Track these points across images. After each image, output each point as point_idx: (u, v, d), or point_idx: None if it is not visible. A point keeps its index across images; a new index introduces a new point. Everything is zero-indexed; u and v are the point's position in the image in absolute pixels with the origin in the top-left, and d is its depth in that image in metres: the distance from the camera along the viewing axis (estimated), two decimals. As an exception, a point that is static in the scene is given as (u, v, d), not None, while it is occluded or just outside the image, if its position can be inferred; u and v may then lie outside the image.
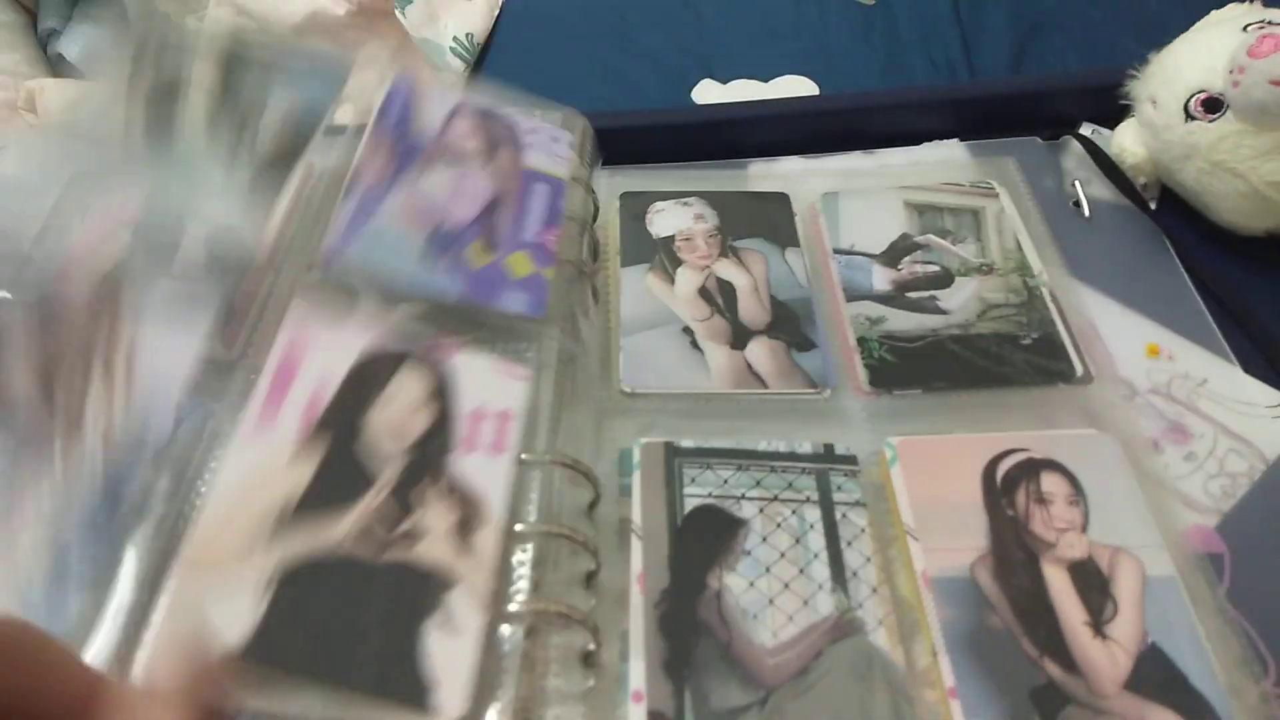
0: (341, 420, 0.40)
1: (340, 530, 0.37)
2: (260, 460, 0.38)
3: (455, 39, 0.83)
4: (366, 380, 0.42)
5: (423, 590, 0.36)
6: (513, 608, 0.37)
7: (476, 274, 0.47)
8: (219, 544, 0.36)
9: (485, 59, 0.92)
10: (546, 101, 0.58)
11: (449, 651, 0.35)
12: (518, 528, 0.39)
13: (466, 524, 0.38)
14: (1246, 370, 0.51)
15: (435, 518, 0.38)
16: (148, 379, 0.40)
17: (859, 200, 0.58)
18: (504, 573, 0.38)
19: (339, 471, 0.39)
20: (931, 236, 0.55)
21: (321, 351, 0.43)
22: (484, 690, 0.34)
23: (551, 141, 0.55)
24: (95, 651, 0.33)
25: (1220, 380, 0.51)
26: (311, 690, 0.33)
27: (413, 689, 0.34)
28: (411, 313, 0.45)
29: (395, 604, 0.36)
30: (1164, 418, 0.49)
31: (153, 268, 0.44)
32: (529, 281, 0.48)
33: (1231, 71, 0.52)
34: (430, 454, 0.40)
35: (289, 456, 0.39)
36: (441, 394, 0.42)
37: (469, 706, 0.34)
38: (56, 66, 0.79)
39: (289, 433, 0.39)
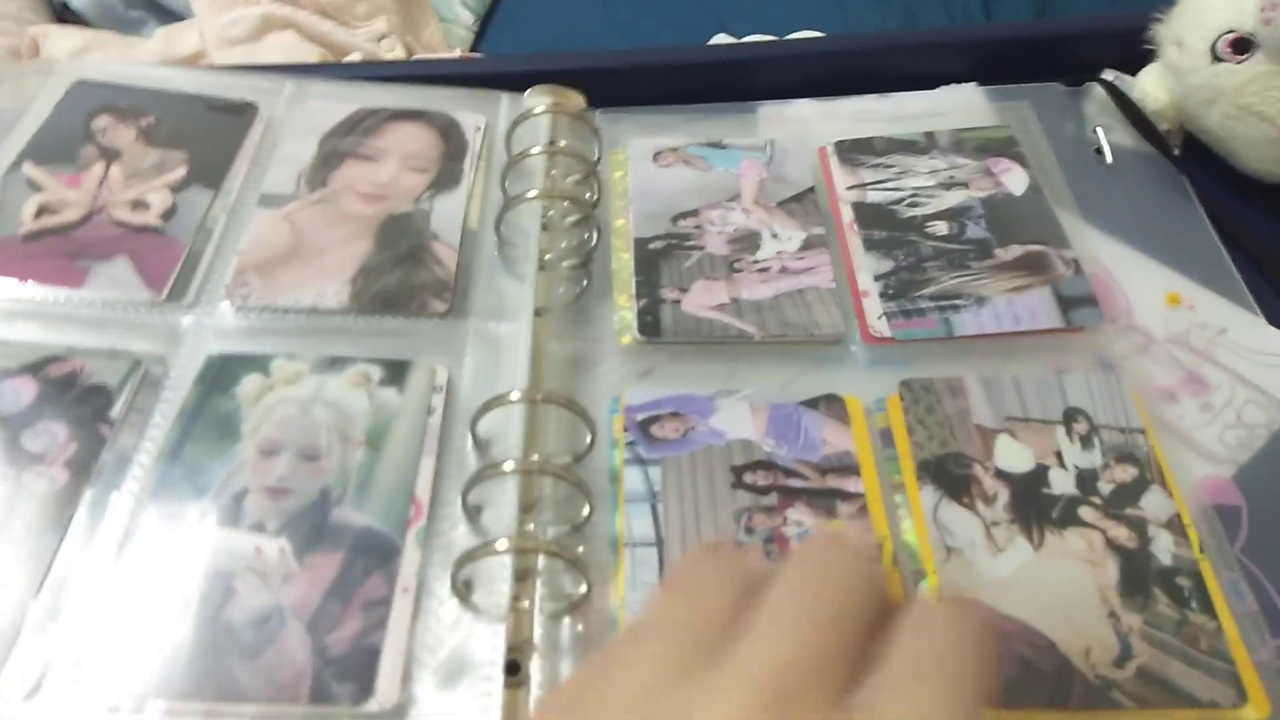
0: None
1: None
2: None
3: (464, -11, 0.82)
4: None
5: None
6: (500, 546, 0.36)
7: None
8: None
9: (495, 11, 0.90)
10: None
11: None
12: (506, 466, 0.38)
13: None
14: (1272, 321, 0.49)
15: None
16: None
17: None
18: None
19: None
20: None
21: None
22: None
23: None
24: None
25: (1240, 330, 0.49)
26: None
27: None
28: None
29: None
30: (1181, 367, 0.47)
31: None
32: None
33: (1263, 9, 0.50)
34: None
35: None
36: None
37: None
38: (60, 13, 0.78)
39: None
